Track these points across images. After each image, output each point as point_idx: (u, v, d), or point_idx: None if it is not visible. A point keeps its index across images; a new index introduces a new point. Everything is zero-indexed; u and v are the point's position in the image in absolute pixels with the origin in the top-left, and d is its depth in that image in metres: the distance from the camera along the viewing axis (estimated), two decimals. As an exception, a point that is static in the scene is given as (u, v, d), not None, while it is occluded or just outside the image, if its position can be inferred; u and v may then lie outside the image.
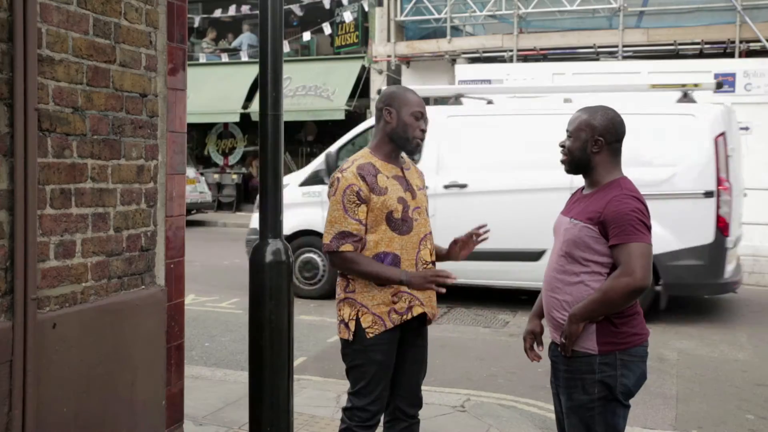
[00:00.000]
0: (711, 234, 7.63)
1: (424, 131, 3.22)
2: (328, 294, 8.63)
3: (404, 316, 3.16)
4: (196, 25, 19.91)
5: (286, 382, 3.69)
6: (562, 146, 2.97)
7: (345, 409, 3.25)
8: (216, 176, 20.36)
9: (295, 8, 17.92)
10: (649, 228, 2.77)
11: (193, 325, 7.30)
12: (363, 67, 18.50)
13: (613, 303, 2.75)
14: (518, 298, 9.23)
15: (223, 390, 5.28)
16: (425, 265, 3.23)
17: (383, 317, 3.14)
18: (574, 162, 2.93)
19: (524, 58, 15.34)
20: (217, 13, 19.33)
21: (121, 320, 3.31)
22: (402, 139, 3.20)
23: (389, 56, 17.19)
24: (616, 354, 2.80)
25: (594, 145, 2.87)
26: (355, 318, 3.16)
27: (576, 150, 2.91)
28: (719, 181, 7.61)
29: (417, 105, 3.22)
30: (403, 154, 3.30)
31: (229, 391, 5.25)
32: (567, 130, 2.96)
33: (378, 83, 18.41)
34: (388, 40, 17.31)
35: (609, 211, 2.77)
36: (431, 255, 3.28)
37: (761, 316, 8.53)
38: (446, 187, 8.39)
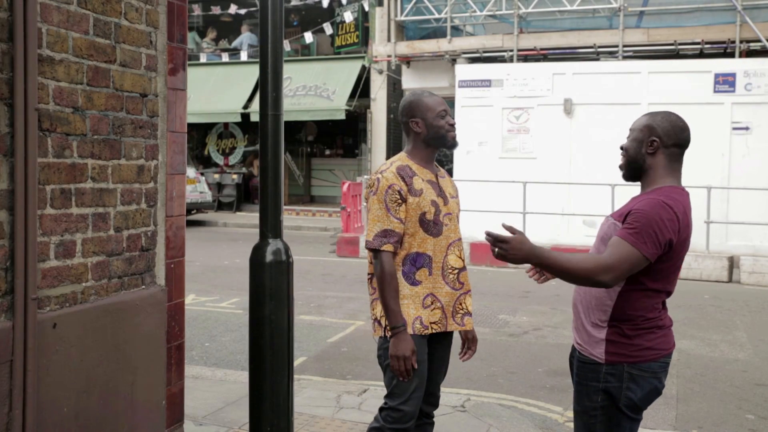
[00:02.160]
0: None
1: (453, 125, 3.32)
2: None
3: (426, 330, 3.17)
4: (194, 14, 19.86)
5: (286, 381, 3.69)
6: (621, 148, 2.87)
7: (380, 410, 3.24)
8: (216, 176, 20.37)
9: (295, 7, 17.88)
10: (659, 242, 2.60)
11: (193, 325, 7.31)
12: (363, 67, 18.51)
13: (572, 275, 2.59)
14: (518, 298, 9.24)
15: (223, 390, 5.28)
16: (452, 272, 3.24)
17: (407, 321, 3.15)
18: (629, 163, 2.82)
19: (524, 58, 15.35)
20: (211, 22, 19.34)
21: (121, 320, 3.31)
22: (438, 141, 3.30)
23: (389, 56, 17.19)
24: (624, 366, 2.70)
25: (650, 146, 2.77)
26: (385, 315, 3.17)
27: (632, 149, 2.81)
28: None
29: (439, 105, 3.30)
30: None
31: (229, 391, 5.25)
32: (630, 129, 2.87)
33: (378, 83, 18.44)
34: (389, 40, 17.31)
35: (635, 208, 2.67)
36: (461, 262, 3.29)
37: (761, 316, 8.53)
38: None
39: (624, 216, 2.71)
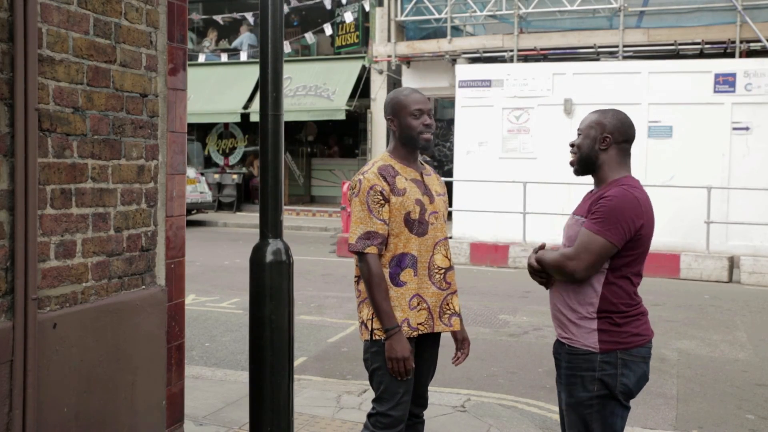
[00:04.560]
0: None
1: (428, 125, 3.20)
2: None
3: (414, 332, 3.15)
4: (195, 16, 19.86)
5: (286, 381, 3.69)
6: (572, 145, 2.99)
7: (369, 416, 3.22)
8: (216, 176, 20.37)
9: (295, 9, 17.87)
10: (626, 229, 2.75)
11: (193, 325, 7.31)
12: (363, 67, 18.51)
13: (550, 269, 2.89)
14: (518, 298, 9.24)
15: (223, 390, 5.28)
16: (439, 271, 3.21)
17: None
18: (582, 159, 2.95)
19: (524, 58, 15.35)
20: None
21: (121, 320, 3.31)
22: (410, 141, 3.21)
23: (389, 56, 17.20)
24: (617, 353, 2.81)
25: (602, 142, 2.91)
26: (371, 318, 3.14)
27: (585, 147, 2.94)
28: None
29: (414, 103, 3.20)
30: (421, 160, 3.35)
31: (229, 391, 5.25)
32: (578, 129, 2.99)
33: (378, 83, 18.43)
34: (389, 40, 17.32)
35: (601, 199, 2.81)
36: (447, 261, 3.26)
37: (761, 316, 8.53)
38: None
39: (588, 210, 2.85)
